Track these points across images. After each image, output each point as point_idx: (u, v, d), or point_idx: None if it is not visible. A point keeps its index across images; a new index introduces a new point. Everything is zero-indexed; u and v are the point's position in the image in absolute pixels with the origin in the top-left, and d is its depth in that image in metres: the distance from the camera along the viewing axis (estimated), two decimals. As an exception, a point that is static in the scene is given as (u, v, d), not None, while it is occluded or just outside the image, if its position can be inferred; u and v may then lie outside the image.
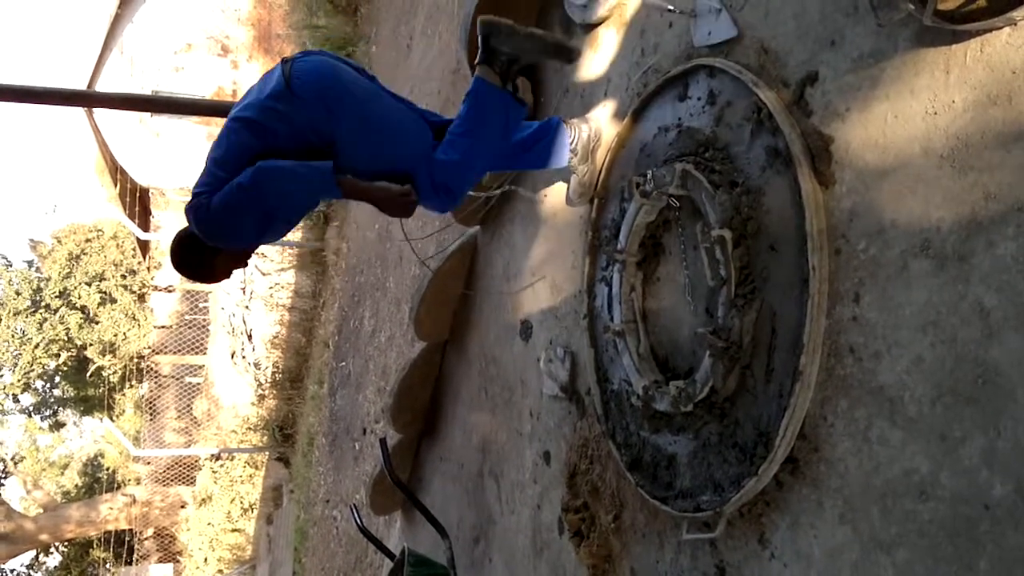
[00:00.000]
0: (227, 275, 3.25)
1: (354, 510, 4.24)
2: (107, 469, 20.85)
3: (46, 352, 20.98)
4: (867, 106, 2.05)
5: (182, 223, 3.10)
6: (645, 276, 2.93)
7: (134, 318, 20.58)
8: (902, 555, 1.88)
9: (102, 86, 13.46)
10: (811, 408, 2.16)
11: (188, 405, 19.57)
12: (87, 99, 3.59)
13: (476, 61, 3.00)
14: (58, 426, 25.43)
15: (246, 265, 3.31)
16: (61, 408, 25.49)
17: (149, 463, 18.14)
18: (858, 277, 2.05)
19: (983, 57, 1.76)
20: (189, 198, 3.01)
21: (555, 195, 3.69)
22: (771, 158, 2.30)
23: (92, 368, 21.07)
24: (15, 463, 22.30)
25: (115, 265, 21.16)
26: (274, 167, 2.84)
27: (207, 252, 3.09)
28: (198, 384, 20.09)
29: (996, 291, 1.71)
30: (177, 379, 20.53)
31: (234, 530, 14.72)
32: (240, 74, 15.22)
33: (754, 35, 2.45)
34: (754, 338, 2.32)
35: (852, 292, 2.07)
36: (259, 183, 2.83)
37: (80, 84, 13.55)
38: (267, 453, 12.57)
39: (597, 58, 3.39)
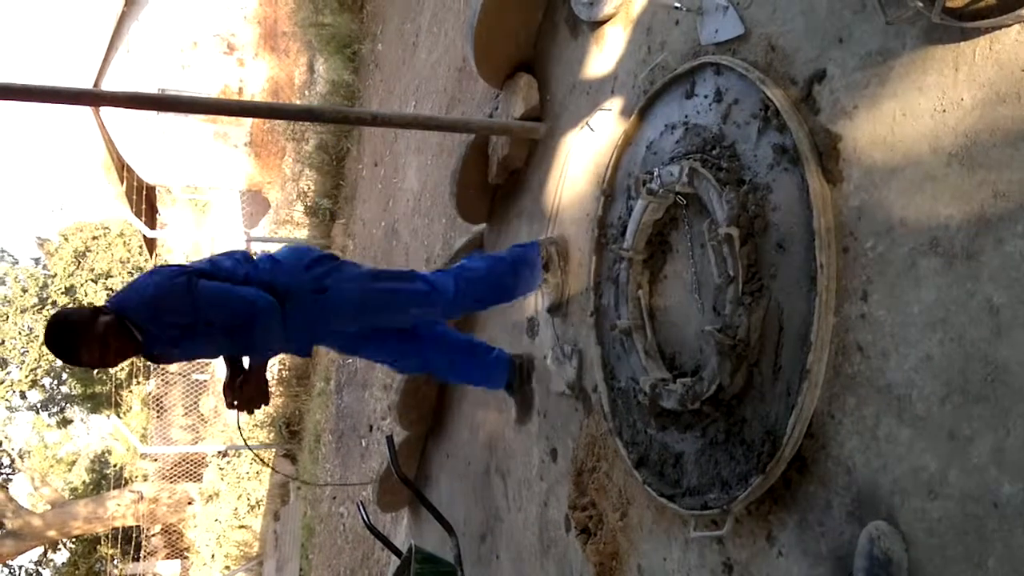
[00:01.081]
0: (111, 359, 3.21)
1: (361, 507, 4.24)
2: (114, 466, 20.90)
3: (53, 349, 21.00)
4: (875, 104, 2.04)
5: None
6: (652, 274, 2.93)
7: (141, 315, 20.59)
8: (911, 554, 1.88)
9: (108, 84, 13.48)
10: (819, 406, 2.16)
11: (195, 402, 19.58)
12: (94, 98, 3.59)
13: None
14: (65, 423, 25.51)
15: (127, 358, 3.32)
16: (68, 405, 25.57)
17: (156, 460, 18.18)
18: (866, 275, 2.05)
19: (992, 55, 1.75)
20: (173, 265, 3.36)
21: (567, 190, 3.68)
22: (778, 156, 2.30)
23: (99, 365, 21.09)
24: (23, 459, 22.38)
25: (122, 262, 21.22)
26: (270, 322, 3.25)
27: (106, 331, 3.13)
28: (205, 381, 20.11)
29: (1005, 289, 1.70)
30: (184, 376, 20.55)
31: (241, 527, 14.76)
32: (246, 72, 15.23)
33: (761, 32, 2.44)
34: (761, 336, 2.32)
35: (860, 290, 2.06)
36: (255, 319, 3.22)
37: (87, 82, 13.58)
38: (274, 450, 12.60)
39: (603, 55, 3.39)
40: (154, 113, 13.54)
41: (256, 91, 15.12)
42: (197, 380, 20.25)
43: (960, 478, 1.77)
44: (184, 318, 3.18)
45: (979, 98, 1.78)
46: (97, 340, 3.08)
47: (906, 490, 1.90)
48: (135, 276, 3.47)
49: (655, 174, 2.73)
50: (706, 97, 2.63)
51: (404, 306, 3.58)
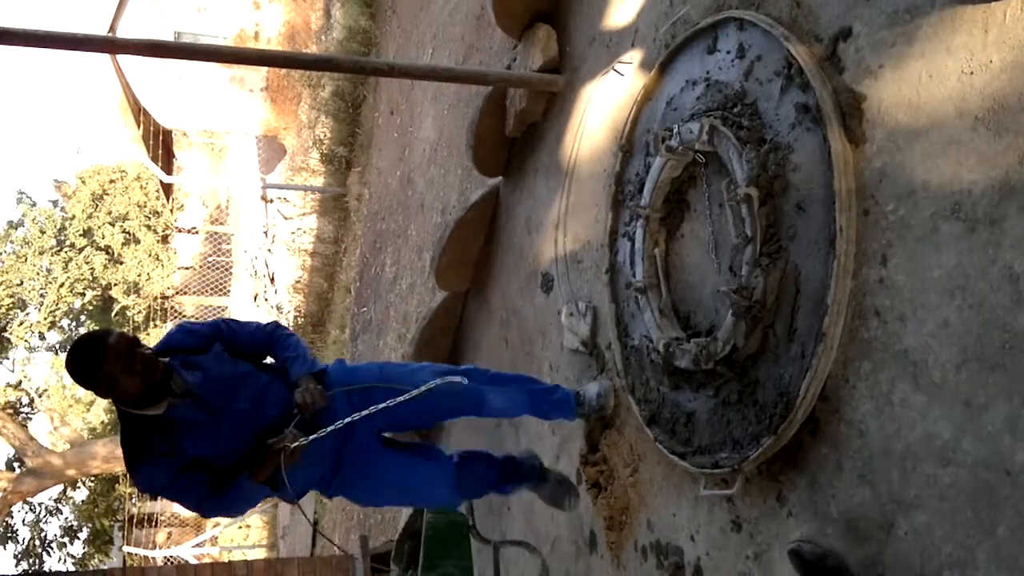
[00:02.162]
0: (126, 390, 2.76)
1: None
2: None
3: (71, 291, 21.19)
4: (901, 64, 2.00)
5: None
6: (669, 232, 2.90)
7: (157, 259, 20.72)
8: (920, 517, 1.88)
9: (124, 27, 13.38)
10: (833, 369, 2.15)
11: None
12: (111, 45, 3.57)
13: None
14: (84, 364, 25.75)
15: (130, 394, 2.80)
16: (87, 347, 25.80)
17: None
18: (886, 239, 2.03)
19: (1023, 17, 1.71)
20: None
21: (585, 145, 3.65)
22: (801, 115, 2.26)
23: (117, 308, 21.29)
24: (42, 399, 22.67)
25: (139, 206, 21.24)
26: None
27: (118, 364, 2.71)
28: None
29: (1027, 257, 1.68)
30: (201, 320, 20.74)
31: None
32: (262, 15, 15.07)
33: (787, -13, 2.39)
34: (778, 298, 2.30)
35: (879, 254, 2.04)
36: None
37: (103, 25, 13.49)
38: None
39: (624, 7, 3.33)
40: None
41: (272, 35, 14.98)
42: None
43: (974, 445, 1.77)
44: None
45: (1008, 61, 1.74)
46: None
47: (918, 455, 1.90)
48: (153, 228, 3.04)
49: (675, 131, 2.69)
50: (728, 53, 2.58)
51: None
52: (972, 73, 1.82)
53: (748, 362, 2.41)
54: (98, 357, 2.68)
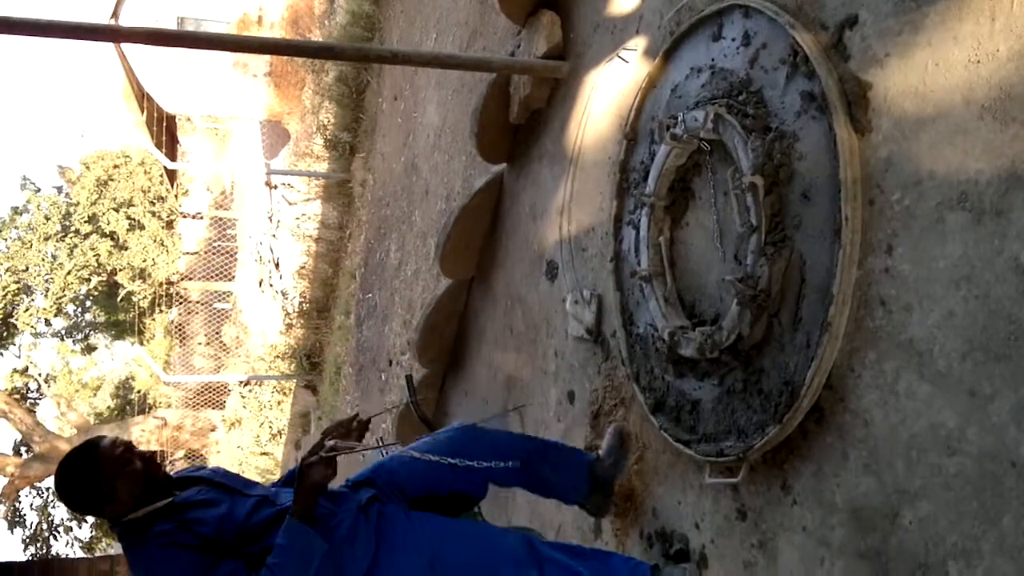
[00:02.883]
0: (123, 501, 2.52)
1: (380, 441, 4.30)
2: (138, 392, 21.24)
3: (77, 277, 21.25)
4: (907, 52, 1.99)
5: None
6: (673, 220, 2.90)
7: (162, 244, 20.76)
8: (925, 507, 1.89)
9: (127, 11, 13.34)
10: (839, 359, 2.15)
11: (217, 331, 19.83)
12: (113, 34, 3.56)
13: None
14: (90, 350, 25.89)
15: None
16: (93, 332, 25.91)
17: (179, 388, 18.47)
18: (892, 228, 2.02)
19: (1031, 4, 1.70)
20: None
21: (589, 132, 3.63)
22: (806, 103, 2.25)
23: (122, 293, 21.35)
24: (48, 385, 22.77)
25: (143, 192, 21.25)
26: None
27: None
28: (227, 310, 20.32)
29: (1034, 247, 1.68)
30: (206, 305, 20.78)
31: (263, 453, 15.03)
32: None
33: (792, -26, 2.37)
34: (783, 287, 2.30)
35: (885, 243, 2.04)
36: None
37: (106, 9, 13.44)
38: (295, 381, 12.75)
39: (629, -7, 3.31)
40: (173, 42, 13.40)
41: (275, 19, 14.93)
42: (219, 309, 20.48)
43: (979, 436, 1.77)
44: None
45: (1016, 49, 1.72)
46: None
47: (924, 445, 1.90)
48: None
49: (679, 119, 2.68)
50: (733, 40, 2.57)
51: None
52: (979, 62, 1.81)
53: (753, 351, 2.41)
54: (93, 461, 2.47)
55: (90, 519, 20.26)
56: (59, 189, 23.44)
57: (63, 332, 24.95)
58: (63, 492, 2.53)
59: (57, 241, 21.05)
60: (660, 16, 3.08)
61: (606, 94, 3.47)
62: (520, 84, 4.05)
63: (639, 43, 3.21)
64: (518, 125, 4.32)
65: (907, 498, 1.93)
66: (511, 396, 4.41)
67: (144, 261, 20.52)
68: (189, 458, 19.07)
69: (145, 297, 20.60)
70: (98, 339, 26.20)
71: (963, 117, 1.84)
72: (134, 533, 2.48)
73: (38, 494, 20.01)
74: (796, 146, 2.28)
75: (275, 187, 13.79)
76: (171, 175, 17.98)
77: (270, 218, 14.59)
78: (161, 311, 20.68)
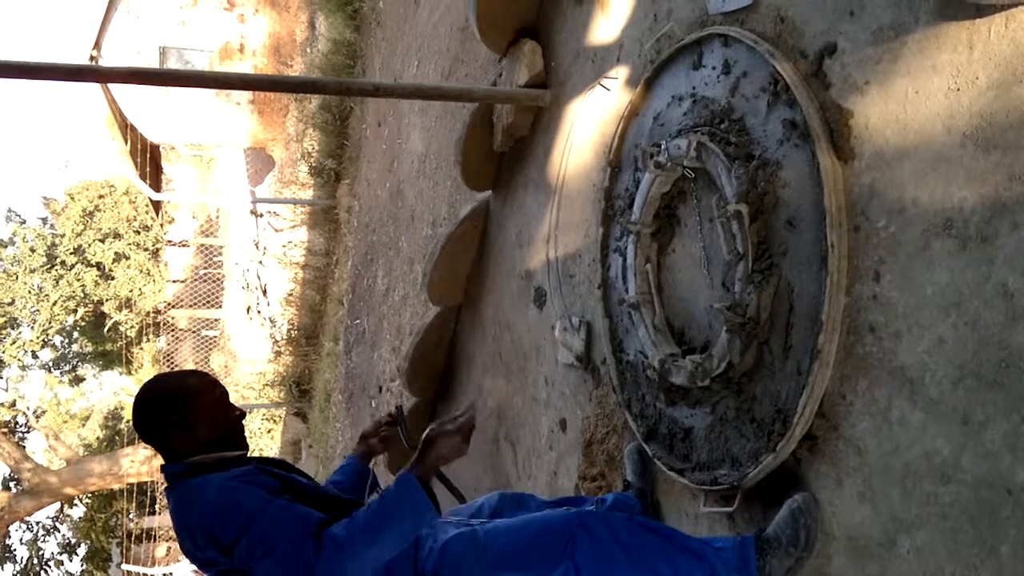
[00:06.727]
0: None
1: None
2: (127, 422, 21.08)
3: (63, 308, 21.13)
4: (887, 80, 1.99)
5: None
6: (660, 248, 2.89)
7: (148, 274, 20.68)
8: (923, 536, 1.88)
9: (109, 43, 13.33)
10: (830, 386, 2.14)
11: (205, 358, 19.72)
12: (95, 74, 3.54)
13: None
14: (78, 380, 25.72)
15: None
16: (80, 363, 25.75)
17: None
18: (878, 255, 2.02)
19: (1008, 33, 1.70)
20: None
21: (573, 160, 3.64)
22: (788, 131, 2.26)
23: (109, 323, 21.24)
24: (36, 417, 22.58)
25: (128, 221, 21.19)
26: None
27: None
28: (215, 337, 20.22)
29: (1021, 274, 1.68)
30: (194, 333, 20.68)
31: (254, 483, 14.89)
32: (247, 28, 15.03)
33: (770, 3, 2.38)
34: (772, 314, 2.29)
35: (872, 270, 2.04)
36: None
37: (87, 42, 13.42)
38: (285, 408, 12.69)
39: (608, 23, 3.32)
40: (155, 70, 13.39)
41: (257, 47, 14.94)
42: (207, 336, 20.38)
43: (973, 463, 1.76)
44: None
45: (995, 78, 1.73)
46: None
47: (918, 473, 1.89)
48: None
49: (662, 147, 2.68)
50: (714, 69, 2.57)
51: None
52: (959, 90, 1.81)
53: (744, 379, 2.40)
54: (190, 390, 2.32)
55: (81, 551, 20.06)
56: (44, 220, 23.35)
57: (50, 363, 24.79)
58: (143, 407, 2.33)
59: (43, 273, 20.95)
60: (640, 45, 3.08)
61: (589, 122, 3.47)
62: (503, 112, 4.05)
63: (620, 72, 3.22)
64: (502, 152, 4.32)
65: (904, 527, 1.92)
66: (503, 424, 4.38)
67: (131, 291, 20.43)
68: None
69: (132, 326, 20.50)
70: (86, 370, 26.04)
71: (945, 144, 1.85)
72: (198, 475, 2.24)
73: (28, 528, 19.82)
74: (780, 174, 2.28)
75: (261, 215, 13.76)
76: (156, 204, 17.95)
77: (256, 245, 14.55)
78: (149, 340, 20.57)
